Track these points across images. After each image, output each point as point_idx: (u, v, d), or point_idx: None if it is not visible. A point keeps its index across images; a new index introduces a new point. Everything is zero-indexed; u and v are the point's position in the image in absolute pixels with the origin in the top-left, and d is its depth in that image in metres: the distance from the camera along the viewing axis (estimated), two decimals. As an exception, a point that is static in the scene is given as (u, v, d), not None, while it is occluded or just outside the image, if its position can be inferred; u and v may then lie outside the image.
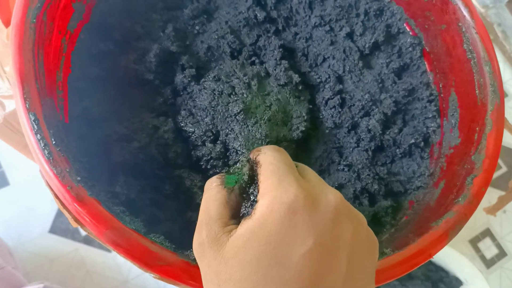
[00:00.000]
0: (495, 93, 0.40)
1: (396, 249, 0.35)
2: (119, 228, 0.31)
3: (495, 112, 0.40)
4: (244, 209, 0.30)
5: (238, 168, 0.32)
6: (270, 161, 0.30)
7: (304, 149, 0.46)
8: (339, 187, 0.45)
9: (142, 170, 0.39)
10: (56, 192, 0.31)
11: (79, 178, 0.31)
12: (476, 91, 0.42)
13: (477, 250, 0.83)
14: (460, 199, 0.36)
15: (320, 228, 0.27)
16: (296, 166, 0.32)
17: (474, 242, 0.83)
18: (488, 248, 0.83)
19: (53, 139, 0.32)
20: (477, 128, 0.40)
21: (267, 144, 0.41)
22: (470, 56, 0.43)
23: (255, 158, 0.32)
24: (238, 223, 0.28)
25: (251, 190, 0.30)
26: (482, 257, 0.83)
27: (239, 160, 0.33)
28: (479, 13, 0.95)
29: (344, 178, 0.45)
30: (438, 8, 0.46)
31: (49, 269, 0.68)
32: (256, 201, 0.28)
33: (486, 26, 0.81)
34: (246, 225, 0.27)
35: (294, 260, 0.26)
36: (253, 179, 0.31)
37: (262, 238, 0.26)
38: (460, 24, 0.44)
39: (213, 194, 0.30)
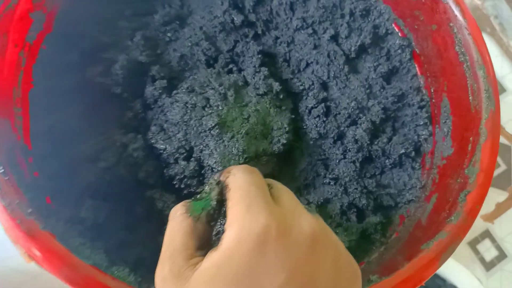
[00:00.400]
0: (490, 99, 0.37)
1: (383, 275, 0.32)
2: (76, 264, 0.28)
3: (490, 121, 0.37)
4: (212, 238, 0.27)
5: (206, 193, 0.29)
6: (239, 185, 0.28)
7: (287, 161, 0.43)
8: (325, 202, 0.42)
9: (111, 192, 0.37)
10: (4, 226, 0.28)
11: (30, 210, 0.28)
12: (470, 97, 0.39)
13: (477, 252, 0.80)
14: (452, 218, 0.34)
15: (293, 260, 0.24)
16: (271, 187, 0.30)
17: (473, 244, 0.80)
18: (488, 250, 0.80)
19: (1, 167, 0.29)
20: (470, 138, 0.37)
21: (244, 160, 0.38)
22: (462, 59, 0.40)
23: (225, 180, 0.29)
24: (205, 254, 0.26)
25: (220, 218, 0.28)
26: (482, 260, 0.80)
27: (209, 182, 0.30)
28: (475, 5, 0.92)
29: (330, 192, 0.42)
30: (428, 7, 0.43)
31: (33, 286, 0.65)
32: (224, 231, 0.25)
33: (482, 18, 0.78)
34: (212, 258, 0.24)
35: None
36: (222, 204, 0.28)
37: (228, 273, 0.24)
38: (451, 24, 0.41)
39: (177, 223, 0.28)
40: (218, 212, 0.28)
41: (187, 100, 0.39)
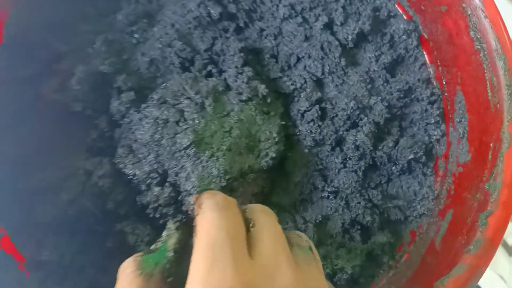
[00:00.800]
0: (513, 97, 0.31)
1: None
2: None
3: (514, 124, 0.31)
4: None
5: (161, 242, 0.25)
6: (206, 231, 0.23)
7: (279, 174, 0.38)
8: (325, 219, 0.37)
9: (76, 228, 0.32)
10: None
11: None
12: (488, 93, 0.33)
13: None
14: (471, 246, 0.28)
15: None
16: (252, 226, 0.25)
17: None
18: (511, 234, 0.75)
19: None
20: (491, 144, 0.32)
21: (227, 181, 0.33)
22: (478, 46, 0.34)
23: (195, 219, 0.24)
24: None
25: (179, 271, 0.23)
26: (504, 245, 0.75)
27: (167, 227, 0.26)
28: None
29: (330, 208, 0.37)
30: (435, -16, 0.36)
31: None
32: None
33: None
34: None
35: None
36: (185, 252, 0.24)
37: None
38: (464, 5, 0.34)
39: (126, 284, 0.23)
40: (177, 264, 0.23)
41: (157, 115, 0.33)
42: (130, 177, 0.33)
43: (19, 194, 0.32)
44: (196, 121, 0.33)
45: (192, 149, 0.33)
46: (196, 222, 0.24)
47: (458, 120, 0.36)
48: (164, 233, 0.25)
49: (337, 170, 0.38)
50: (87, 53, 0.35)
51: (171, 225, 0.26)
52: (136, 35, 0.38)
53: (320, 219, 0.36)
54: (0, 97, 0.34)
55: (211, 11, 0.38)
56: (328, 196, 0.38)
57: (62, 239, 0.32)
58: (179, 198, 0.33)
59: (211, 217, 0.24)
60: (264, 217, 0.26)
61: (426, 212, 0.36)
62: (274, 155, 0.35)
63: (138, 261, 0.23)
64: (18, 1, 0.33)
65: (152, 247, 0.25)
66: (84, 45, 0.36)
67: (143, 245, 0.33)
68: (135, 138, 0.34)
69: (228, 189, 0.33)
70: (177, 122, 0.33)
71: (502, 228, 0.28)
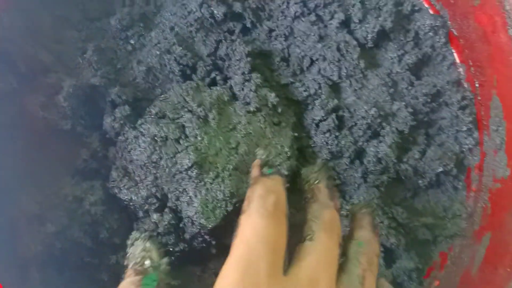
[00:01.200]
0: (562, 105, 0.27)
1: None
2: None
3: None
4: None
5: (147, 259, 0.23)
6: (247, 237, 0.22)
7: (293, 191, 0.34)
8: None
9: (65, 261, 0.29)
10: None
11: None
12: (531, 100, 0.29)
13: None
14: (517, 283, 0.24)
15: None
16: (309, 239, 0.24)
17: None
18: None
19: None
20: (535, 159, 0.28)
21: (234, 206, 0.29)
22: (519, 46, 0.29)
23: (240, 216, 0.24)
24: None
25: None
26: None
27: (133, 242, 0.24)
28: None
29: (349, 227, 0.33)
30: (467, -25, 0.32)
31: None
32: None
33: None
34: None
35: None
36: None
37: None
38: (501, -1, 0.30)
39: None
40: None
41: (155, 132, 0.30)
42: (125, 202, 0.30)
43: (3, 225, 0.29)
44: (199, 138, 0.30)
45: (194, 170, 0.29)
46: (240, 220, 0.23)
47: (495, 129, 0.32)
48: (138, 250, 0.24)
49: (356, 185, 0.34)
50: (76, 64, 0.32)
51: (137, 238, 0.25)
52: (131, 41, 0.34)
53: (339, 240, 0.33)
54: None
55: (215, 12, 0.35)
56: (347, 215, 0.34)
57: (49, 275, 0.29)
58: (180, 225, 0.30)
59: (255, 223, 0.23)
60: (325, 237, 0.24)
61: (458, 232, 0.32)
62: (286, 172, 0.31)
63: (138, 282, 0.22)
64: (-4, 9, 0.30)
65: (141, 267, 0.23)
66: (73, 55, 0.32)
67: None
68: (130, 158, 0.30)
69: (235, 214, 0.30)
70: (177, 140, 0.30)
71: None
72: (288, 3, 0.36)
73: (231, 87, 0.34)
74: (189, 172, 0.29)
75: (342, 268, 0.24)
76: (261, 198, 0.24)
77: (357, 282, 0.23)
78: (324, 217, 0.25)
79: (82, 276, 0.29)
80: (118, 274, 0.30)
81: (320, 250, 0.23)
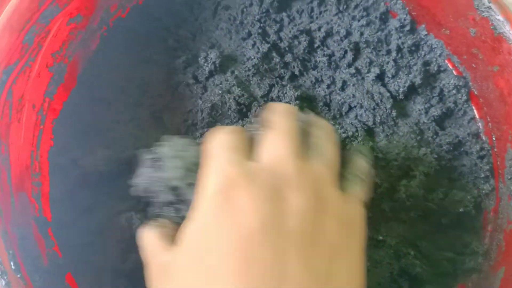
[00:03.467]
0: None
1: None
2: None
3: None
4: None
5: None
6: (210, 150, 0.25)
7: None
8: (373, 266, 0.37)
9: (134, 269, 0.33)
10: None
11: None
12: (543, 154, 0.34)
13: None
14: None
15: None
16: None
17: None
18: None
19: (12, 263, 0.25)
20: (546, 204, 0.32)
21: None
22: (532, 107, 0.35)
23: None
24: None
25: None
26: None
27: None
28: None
29: (378, 256, 0.38)
30: (488, 46, 0.37)
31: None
32: None
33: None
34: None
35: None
36: None
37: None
38: (518, 67, 0.35)
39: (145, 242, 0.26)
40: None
41: None
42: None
43: (85, 231, 0.33)
44: None
45: None
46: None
47: (509, 177, 0.37)
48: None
49: (385, 219, 0.39)
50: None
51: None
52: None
53: (369, 265, 0.37)
54: (71, 135, 0.36)
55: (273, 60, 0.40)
56: (376, 245, 0.38)
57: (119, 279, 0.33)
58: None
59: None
60: (280, 120, 0.27)
61: (476, 267, 0.36)
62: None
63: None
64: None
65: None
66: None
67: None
68: None
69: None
70: None
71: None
72: (329, 57, 0.42)
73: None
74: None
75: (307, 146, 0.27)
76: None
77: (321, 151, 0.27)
78: (276, 108, 0.27)
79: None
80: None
81: (276, 130, 0.26)
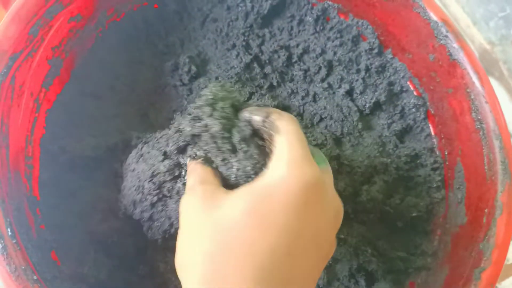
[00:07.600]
0: (506, 172, 0.37)
1: None
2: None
3: (506, 194, 0.36)
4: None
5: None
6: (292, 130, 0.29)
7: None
8: (334, 263, 0.41)
9: (115, 249, 0.36)
10: (9, 293, 0.27)
11: (35, 278, 0.27)
12: (485, 166, 0.38)
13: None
14: (466, 298, 0.33)
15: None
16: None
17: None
18: None
19: (9, 230, 0.28)
20: (486, 210, 0.37)
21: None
22: (478, 126, 0.39)
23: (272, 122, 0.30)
24: None
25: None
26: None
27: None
28: (484, 49, 0.92)
29: (339, 253, 0.41)
30: (444, 70, 0.42)
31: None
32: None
33: (491, 63, 0.78)
34: (265, 181, 0.26)
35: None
36: None
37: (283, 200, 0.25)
38: (468, 90, 0.40)
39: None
40: None
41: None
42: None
43: (71, 211, 0.36)
44: None
45: None
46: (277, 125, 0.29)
47: (457, 187, 0.42)
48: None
49: (348, 220, 0.42)
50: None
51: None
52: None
53: (331, 261, 0.41)
54: (63, 125, 0.38)
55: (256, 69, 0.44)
56: (338, 243, 0.42)
57: (101, 257, 0.35)
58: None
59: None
60: (286, 123, 0.29)
61: (425, 266, 0.41)
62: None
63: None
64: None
65: None
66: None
67: (172, 273, 0.36)
68: None
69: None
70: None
71: (493, 282, 0.33)
72: (305, 71, 0.47)
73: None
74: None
75: None
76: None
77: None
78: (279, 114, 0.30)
79: (124, 262, 0.36)
80: (153, 267, 0.37)
81: (289, 135, 0.28)
